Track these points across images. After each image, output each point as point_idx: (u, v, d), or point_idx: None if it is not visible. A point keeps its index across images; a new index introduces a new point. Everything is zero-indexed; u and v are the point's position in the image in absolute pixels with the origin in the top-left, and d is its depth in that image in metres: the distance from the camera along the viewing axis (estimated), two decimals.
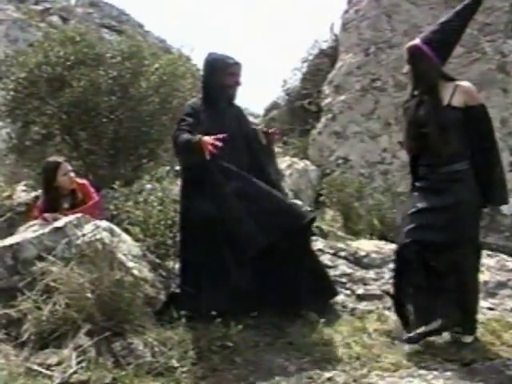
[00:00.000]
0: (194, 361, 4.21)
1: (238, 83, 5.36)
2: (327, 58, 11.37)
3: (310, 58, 11.92)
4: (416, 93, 4.70)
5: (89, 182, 6.28)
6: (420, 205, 4.58)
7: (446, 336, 4.56)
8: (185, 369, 4.12)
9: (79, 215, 5.20)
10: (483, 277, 6.02)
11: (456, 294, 4.45)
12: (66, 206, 5.83)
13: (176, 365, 4.15)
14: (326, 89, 9.33)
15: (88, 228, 4.95)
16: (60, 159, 6.10)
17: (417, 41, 4.65)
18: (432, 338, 4.53)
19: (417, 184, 4.76)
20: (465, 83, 4.63)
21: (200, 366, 4.16)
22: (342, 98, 8.96)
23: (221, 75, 5.27)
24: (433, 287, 4.44)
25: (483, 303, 5.71)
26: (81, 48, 8.65)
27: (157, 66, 8.61)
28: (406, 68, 4.71)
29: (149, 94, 8.52)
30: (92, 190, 6.03)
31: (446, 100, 4.53)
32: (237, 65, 5.34)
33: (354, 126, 8.02)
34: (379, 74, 8.98)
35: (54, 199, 5.79)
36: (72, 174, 5.93)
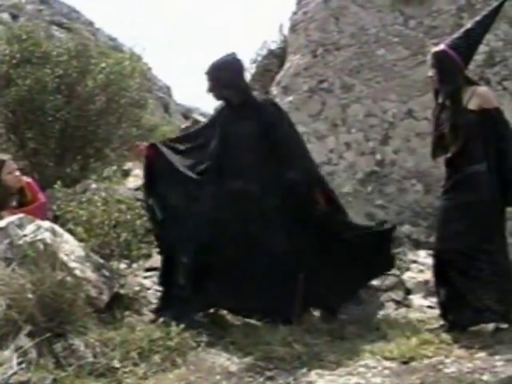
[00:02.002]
0: (135, 361, 4.20)
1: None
2: (276, 58, 11.38)
3: (259, 58, 11.93)
4: (440, 100, 4.92)
5: (34, 181, 6.22)
6: (445, 205, 4.95)
7: None
8: (127, 369, 4.10)
9: (21, 215, 5.14)
10: (424, 276, 6.15)
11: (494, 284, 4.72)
12: (13, 204, 5.77)
13: (118, 365, 4.13)
14: (274, 89, 9.35)
15: (30, 228, 4.90)
16: (5, 157, 6.03)
17: (443, 46, 4.94)
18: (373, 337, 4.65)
19: (444, 185, 5.08)
20: (482, 87, 4.99)
21: (142, 367, 4.14)
22: (290, 98, 8.98)
23: None
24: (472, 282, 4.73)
25: (424, 302, 5.83)
26: (27, 46, 8.59)
27: (104, 64, 8.56)
28: (431, 72, 4.95)
29: (96, 93, 8.49)
30: (37, 189, 5.97)
31: (464, 104, 4.79)
32: (208, 69, 5.44)
33: (301, 127, 8.01)
34: (326, 75, 9.01)
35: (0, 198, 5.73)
36: (17, 173, 5.86)
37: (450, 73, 4.84)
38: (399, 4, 9.03)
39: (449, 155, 4.91)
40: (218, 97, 5.45)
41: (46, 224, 5.02)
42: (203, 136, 5.49)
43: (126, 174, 10.75)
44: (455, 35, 5.04)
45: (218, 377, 4.03)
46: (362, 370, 4.09)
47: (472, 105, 4.77)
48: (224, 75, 5.33)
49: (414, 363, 4.21)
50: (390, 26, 8.97)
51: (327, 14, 9.39)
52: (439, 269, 4.94)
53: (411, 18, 8.95)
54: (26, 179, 6.02)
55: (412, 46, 8.76)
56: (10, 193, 5.78)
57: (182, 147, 5.50)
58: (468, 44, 4.90)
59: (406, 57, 8.71)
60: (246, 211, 5.11)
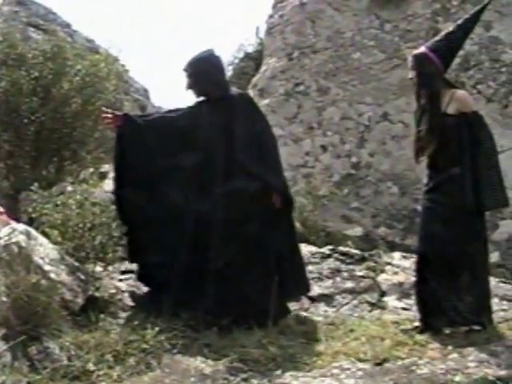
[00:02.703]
0: (110, 364, 4.19)
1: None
2: (252, 61, 11.44)
3: (236, 61, 11.98)
4: (422, 103, 4.94)
5: None
6: (426, 206, 5.00)
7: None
8: (101, 372, 4.10)
9: None
10: (399, 278, 6.19)
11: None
12: None
13: (92, 368, 4.12)
14: (251, 92, 9.36)
15: (4, 231, 4.88)
16: None
17: (423, 49, 5.00)
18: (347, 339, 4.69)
19: (425, 185, 5.09)
20: (460, 91, 5.00)
21: (116, 370, 4.14)
22: (266, 101, 9.03)
23: None
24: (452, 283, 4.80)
25: (398, 303, 5.88)
26: (3, 48, 8.50)
27: (79, 67, 8.52)
28: (411, 74, 5.00)
29: (71, 95, 8.43)
30: None
31: (443, 107, 4.83)
32: (186, 65, 5.46)
33: (278, 130, 8.07)
34: (302, 78, 9.08)
35: None
36: None
37: (429, 75, 4.88)
38: (375, 8, 9.10)
39: (429, 158, 4.96)
40: (198, 93, 5.43)
41: (21, 227, 4.99)
42: (178, 124, 5.46)
43: (103, 176, 10.71)
44: (436, 38, 5.09)
45: (192, 379, 4.04)
46: (335, 371, 4.11)
47: (451, 109, 4.82)
48: (203, 70, 5.35)
49: (387, 364, 4.24)
50: (366, 29, 9.05)
51: (303, 18, 9.46)
52: (419, 269, 4.99)
53: (387, 22, 9.03)
54: None
55: (387, 49, 8.85)
56: None
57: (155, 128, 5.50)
58: (448, 47, 4.94)
59: (381, 60, 8.79)
60: (213, 213, 5.13)
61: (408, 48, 8.50)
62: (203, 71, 5.33)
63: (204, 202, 5.13)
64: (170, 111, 5.66)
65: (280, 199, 5.24)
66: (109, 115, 5.46)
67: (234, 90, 5.65)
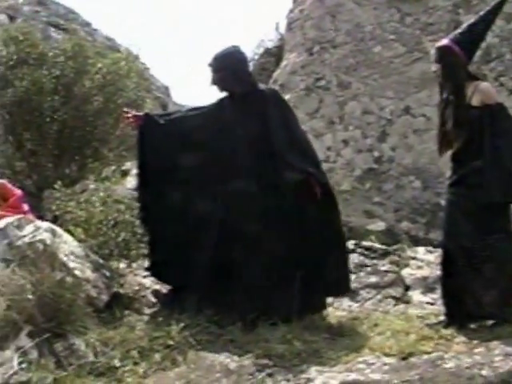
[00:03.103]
0: (135, 360, 4.21)
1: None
2: (272, 57, 11.41)
3: (256, 57, 11.96)
4: (445, 95, 4.91)
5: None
6: (450, 199, 4.96)
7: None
8: (127, 368, 4.12)
9: (20, 216, 5.16)
10: (423, 272, 6.17)
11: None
12: None
13: (118, 364, 4.15)
14: None
15: (29, 229, 4.92)
16: None
17: (446, 41, 4.95)
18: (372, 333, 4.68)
19: (449, 178, 5.08)
20: (484, 83, 4.97)
21: (142, 366, 4.16)
22: (287, 97, 8.95)
23: None
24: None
25: (423, 298, 5.85)
26: (24, 47, 8.57)
27: (100, 65, 8.56)
28: (435, 67, 4.98)
29: (93, 93, 8.48)
30: (10, 187, 6.00)
31: (467, 99, 4.80)
32: (211, 60, 5.41)
33: None
34: (323, 73, 9.03)
35: None
36: None
37: (454, 67, 4.85)
38: (395, 1, 9.04)
39: (453, 151, 4.93)
40: (223, 88, 5.39)
41: (45, 224, 5.03)
42: (200, 122, 5.44)
43: (125, 173, 10.74)
44: (458, 30, 5.05)
45: (217, 375, 4.04)
46: (360, 366, 4.09)
47: (475, 101, 4.78)
48: (228, 66, 5.30)
49: (412, 359, 4.20)
50: (387, 23, 8.99)
51: (323, 12, 9.41)
52: (444, 263, 4.96)
53: (407, 15, 8.97)
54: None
55: (408, 42, 8.78)
56: None
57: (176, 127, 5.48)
58: (471, 39, 4.91)
59: (402, 54, 8.73)
60: (244, 211, 5.10)
61: (429, 41, 8.45)
62: (228, 66, 5.29)
63: (232, 199, 5.12)
64: (192, 109, 5.65)
65: (321, 191, 5.20)
66: (130, 115, 5.47)
67: (262, 85, 5.65)
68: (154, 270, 5.47)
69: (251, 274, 5.01)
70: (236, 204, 5.09)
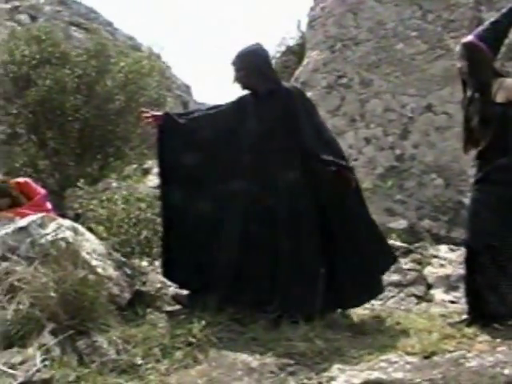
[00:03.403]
0: (157, 358, 4.21)
1: (236, 79, 5.37)
2: (294, 55, 11.43)
3: (277, 55, 11.97)
4: (469, 93, 4.88)
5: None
6: (476, 196, 4.91)
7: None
8: (149, 366, 4.12)
9: (42, 214, 5.19)
10: (445, 270, 6.13)
11: None
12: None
13: (140, 362, 4.15)
14: None
15: (51, 227, 4.94)
16: None
17: (471, 37, 4.88)
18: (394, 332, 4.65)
19: (475, 175, 5.02)
20: (509, 79, 4.88)
21: (164, 363, 4.16)
22: (309, 94, 8.94)
23: None
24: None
25: (445, 296, 5.81)
26: (46, 47, 8.64)
27: (122, 64, 8.61)
28: (460, 63, 4.92)
29: (114, 92, 8.53)
30: (35, 186, 6.04)
31: (492, 96, 4.75)
32: (234, 58, 5.36)
33: None
34: (345, 70, 9.04)
35: None
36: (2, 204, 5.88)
37: (481, 65, 4.80)
38: None
39: (479, 149, 4.89)
40: (246, 86, 5.35)
41: (68, 222, 5.06)
42: (221, 121, 5.40)
43: (146, 172, 10.79)
44: (481, 27, 4.99)
45: (239, 373, 4.03)
46: (383, 364, 4.07)
47: (499, 97, 4.73)
48: (251, 63, 5.27)
49: (435, 358, 4.17)
50: (408, 20, 8.96)
51: (345, 9, 9.40)
52: (468, 261, 4.92)
53: (429, 12, 8.93)
54: (21, 180, 6.09)
55: (430, 39, 8.75)
56: None
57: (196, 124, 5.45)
58: (495, 36, 4.85)
59: (424, 51, 8.70)
60: (267, 208, 5.09)
61: (451, 38, 8.42)
62: (251, 64, 5.27)
63: (254, 197, 5.10)
64: (212, 108, 5.64)
65: (354, 182, 5.19)
66: (149, 114, 5.47)
67: (285, 83, 5.63)
68: (170, 272, 5.44)
69: (274, 273, 5.00)
70: (258, 202, 5.09)
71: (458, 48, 5.00)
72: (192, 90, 22.01)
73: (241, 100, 5.43)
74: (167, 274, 5.41)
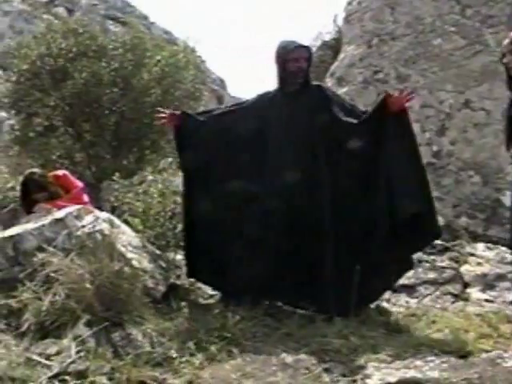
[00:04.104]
0: (192, 351, 4.21)
1: (299, 68, 5.14)
2: (330, 49, 11.38)
3: (313, 49, 11.92)
4: None
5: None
6: None
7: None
8: (183, 359, 4.12)
9: (79, 206, 5.22)
10: (482, 269, 6.05)
11: None
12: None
13: (174, 355, 4.15)
14: (329, 81, 9.32)
15: (88, 219, 4.97)
16: (35, 170, 6.15)
17: None
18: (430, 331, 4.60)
19: None
20: None
21: (198, 357, 4.15)
22: (345, 89, 8.95)
23: (283, 61, 5.13)
24: None
25: (482, 295, 5.74)
26: (83, 40, 8.72)
27: (159, 57, 8.64)
28: (507, 59, 4.84)
29: (151, 85, 8.58)
30: (73, 179, 6.06)
31: None
32: (301, 48, 5.18)
33: None
34: (381, 66, 8.97)
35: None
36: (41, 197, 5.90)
37: None
38: None
39: None
40: (303, 78, 5.18)
41: (104, 215, 5.08)
42: (243, 118, 5.28)
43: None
44: None
45: (273, 368, 4.02)
46: (419, 363, 4.03)
47: None
48: (312, 58, 5.25)
49: (472, 357, 4.13)
50: (447, 15, 8.86)
51: (382, 4, 9.33)
52: None
53: (468, 7, 8.83)
54: (59, 173, 6.12)
55: (469, 35, 8.65)
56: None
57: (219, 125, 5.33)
58: None
59: (462, 46, 8.60)
60: (302, 204, 5.06)
61: (490, 33, 8.31)
62: (311, 59, 5.24)
63: (299, 193, 5.06)
64: (234, 105, 5.56)
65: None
66: (165, 114, 5.32)
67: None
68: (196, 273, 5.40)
69: (309, 268, 4.98)
70: (294, 197, 5.05)
71: (505, 42, 4.90)
72: (226, 83, 22.05)
73: (264, 96, 5.34)
74: (193, 272, 5.38)
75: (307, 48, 5.26)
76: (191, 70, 9.04)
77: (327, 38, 11.98)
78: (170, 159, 9.09)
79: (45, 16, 16.41)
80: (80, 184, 6.01)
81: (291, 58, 5.11)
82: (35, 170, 6.26)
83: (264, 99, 5.30)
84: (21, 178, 6.26)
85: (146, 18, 22.59)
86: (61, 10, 19.55)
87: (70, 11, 19.68)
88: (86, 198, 5.88)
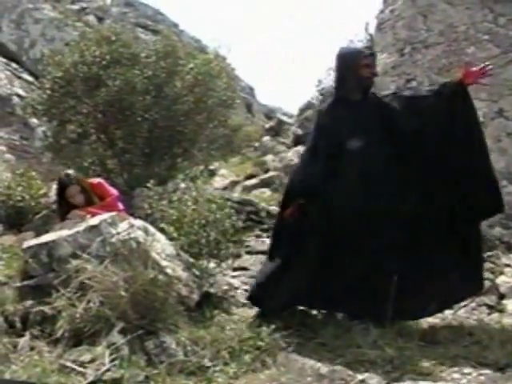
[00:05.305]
0: (226, 361, 4.21)
1: (374, 74, 5.17)
2: None
3: None
4: None
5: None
6: None
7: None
8: (217, 368, 4.12)
9: (114, 214, 5.23)
10: None
11: None
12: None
13: (208, 364, 4.15)
14: None
15: (122, 226, 4.98)
16: (70, 171, 6.15)
17: None
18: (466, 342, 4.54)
19: None
20: None
21: (232, 366, 4.15)
22: None
23: (356, 68, 5.06)
24: None
25: None
26: (116, 47, 8.74)
27: (192, 65, 8.66)
28: None
29: (183, 93, 8.59)
30: (108, 187, 6.08)
31: None
32: (371, 56, 5.20)
33: None
34: (414, 74, 8.92)
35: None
36: (78, 199, 5.90)
37: None
38: (488, 1, 8.84)
39: None
40: (369, 85, 5.14)
41: (139, 222, 5.09)
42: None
43: (213, 173, 10.84)
44: None
45: (308, 379, 4.00)
46: (456, 376, 3.99)
47: None
48: None
49: (509, 370, 4.07)
50: (480, 23, 8.80)
51: (415, 12, 9.29)
52: None
53: (501, 16, 8.77)
54: (94, 181, 6.14)
55: (503, 43, 8.58)
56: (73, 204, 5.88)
57: None
58: None
59: (496, 55, 8.52)
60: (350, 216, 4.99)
61: None
62: None
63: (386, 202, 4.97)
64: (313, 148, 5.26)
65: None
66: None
67: None
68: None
69: (346, 278, 4.93)
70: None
71: None
72: (255, 91, 22.09)
73: (332, 111, 5.22)
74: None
75: (375, 55, 5.26)
76: (224, 78, 9.07)
77: (359, 46, 11.94)
78: (201, 167, 9.12)
79: (76, 24, 16.55)
80: (115, 192, 6.02)
81: (364, 64, 5.07)
82: (70, 171, 6.26)
83: (332, 115, 5.18)
84: (54, 185, 6.28)
85: (176, 25, 22.72)
86: (91, 18, 19.73)
87: (100, 19, 19.86)
88: (120, 205, 5.89)
